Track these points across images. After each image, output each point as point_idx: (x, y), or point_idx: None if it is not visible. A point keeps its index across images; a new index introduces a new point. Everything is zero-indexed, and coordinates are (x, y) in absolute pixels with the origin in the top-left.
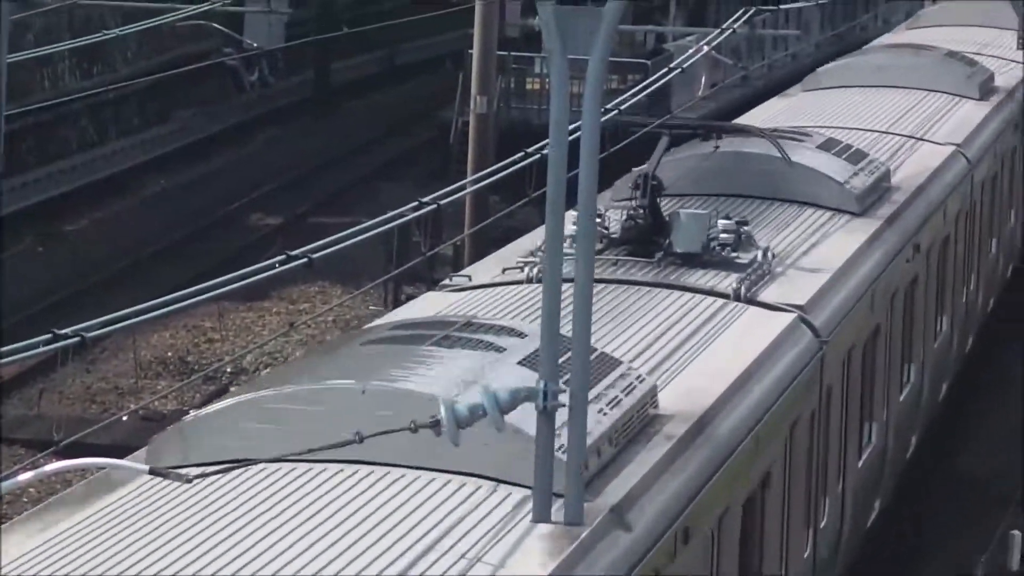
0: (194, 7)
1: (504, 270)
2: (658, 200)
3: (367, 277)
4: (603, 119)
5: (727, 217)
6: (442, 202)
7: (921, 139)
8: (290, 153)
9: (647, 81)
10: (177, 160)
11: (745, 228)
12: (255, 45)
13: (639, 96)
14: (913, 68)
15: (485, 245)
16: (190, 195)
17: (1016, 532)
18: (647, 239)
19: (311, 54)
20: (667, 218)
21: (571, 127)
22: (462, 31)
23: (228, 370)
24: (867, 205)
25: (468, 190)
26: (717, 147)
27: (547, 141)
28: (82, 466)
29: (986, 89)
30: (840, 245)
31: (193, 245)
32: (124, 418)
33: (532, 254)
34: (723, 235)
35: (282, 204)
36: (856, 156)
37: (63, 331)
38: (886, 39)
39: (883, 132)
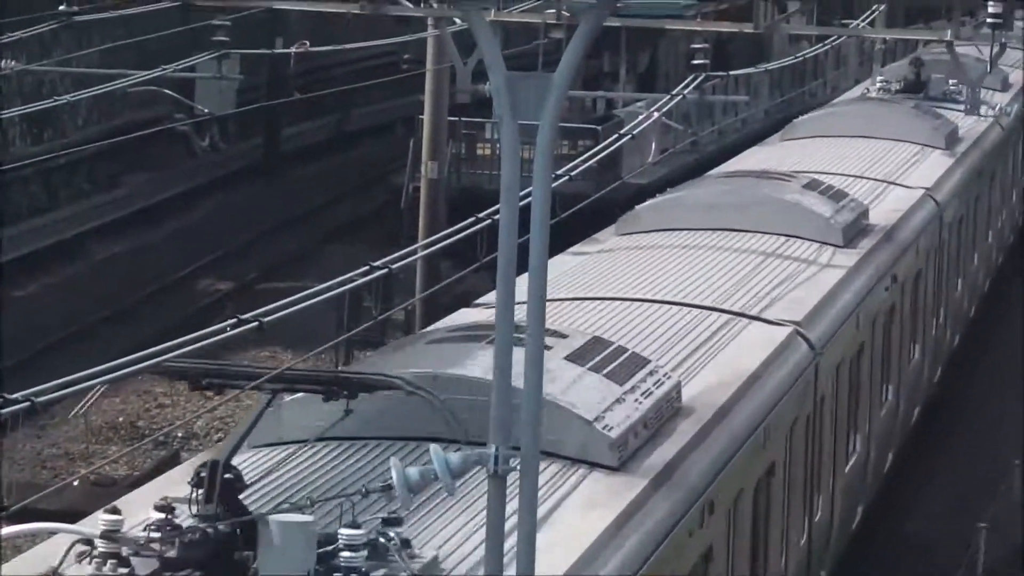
0: (145, 73)
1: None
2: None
3: (318, 341)
4: (554, 184)
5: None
6: (393, 267)
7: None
8: (241, 218)
9: (598, 147)
10: (128, 225)
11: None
12: (206, 111)
13: (590, 162)
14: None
15: (436, 310)
16: (141, 260)
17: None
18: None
19: (262, 119)
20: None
21: (522, 192)
22: (413, 97)
23: (179, 435)
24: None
25: (419, 255)
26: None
27: (498, 206)
28: (33, 531)
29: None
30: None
31: (144, 310)
32: (75, 483)
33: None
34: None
35: (233, 269)
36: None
37: (13, 396)
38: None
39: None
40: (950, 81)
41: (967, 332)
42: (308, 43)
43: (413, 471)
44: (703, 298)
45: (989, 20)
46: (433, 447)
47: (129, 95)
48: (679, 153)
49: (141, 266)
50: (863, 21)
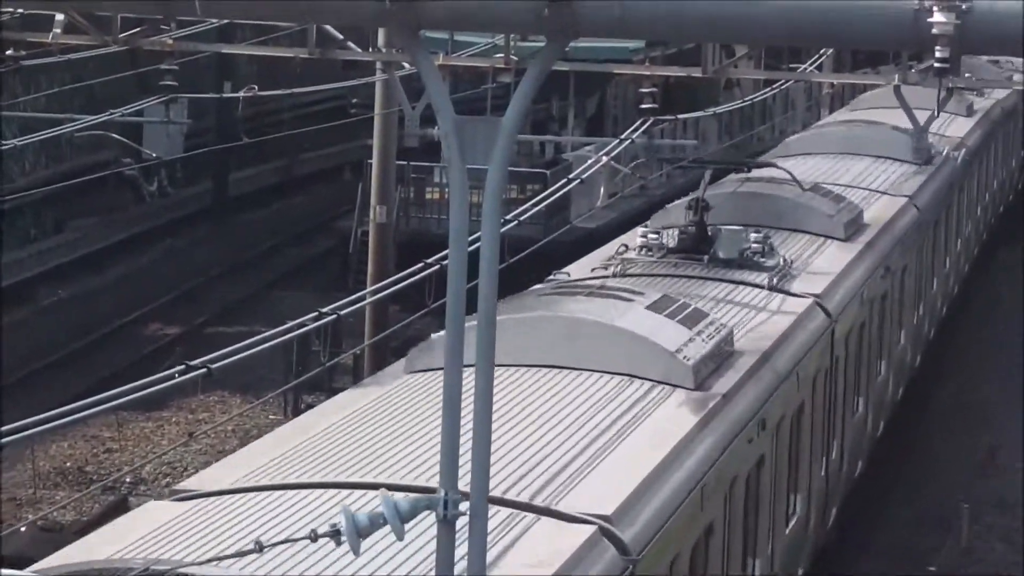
0: (92, 117)
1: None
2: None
3: (267, 387)
4: (503, 229)
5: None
6: (342, 312)
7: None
8: (189, 263)
9: (547, 191)
10: (75, 270)
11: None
12: (154, 155)
13: (539, 206)
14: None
15: (385, 355)
16: (88, 305)
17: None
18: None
19: (210, 164)
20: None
21: (471, 237)
22: (361, 141)
23: (127, 480)
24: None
25: (368, 300)
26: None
27: (447, 251)
28: None
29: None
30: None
31: (91, 355)
32: (22, 529)
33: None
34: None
35: (181, 314)
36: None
37: None
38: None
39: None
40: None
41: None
42: (256, 87)
43: (362, 516)
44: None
45: (936, 65)
46: (382, 492)
47: (76, 139)
48: (628, 197)
49: (88, 311)
50: (810, 65)
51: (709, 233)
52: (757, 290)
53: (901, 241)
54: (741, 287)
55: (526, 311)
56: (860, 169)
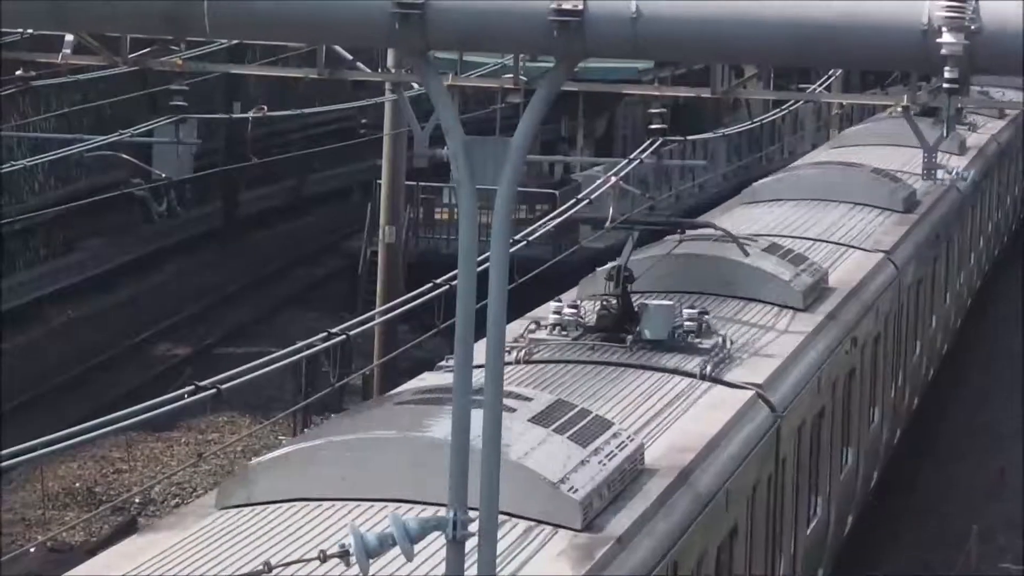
0: (102, 137)
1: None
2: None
3: (276, 407)
4: (512, 249)
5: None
6: (351, 332)
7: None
8: (199, 283)
9: (556, 211)
10: (85, 290)
11: (706, 316)
12: (163, 175)
13: (548, 227)
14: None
15: (395, 375)
16: (98, 326)
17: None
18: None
19: (219, 184)
20: (636, 308)
21: (480, 257)
22: (371, 162)
23: (136, 501)
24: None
25: (377, 320)
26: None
27: (455, 271)
28: None
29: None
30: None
31: (101, 376)
32: (31, 550)
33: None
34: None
35: (191, 334)
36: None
37: None
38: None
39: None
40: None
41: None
42: (266, 108)
43: (371, 536)
44: None
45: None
46: (392, 514)
47: (86, 159)
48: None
49: (98, 332)
50: (820, 86)
51: (635, 308)
52: (688, 380)
53: (874, 307)
54: (670, 376)
55: (373, 429)
56: (832, 220)
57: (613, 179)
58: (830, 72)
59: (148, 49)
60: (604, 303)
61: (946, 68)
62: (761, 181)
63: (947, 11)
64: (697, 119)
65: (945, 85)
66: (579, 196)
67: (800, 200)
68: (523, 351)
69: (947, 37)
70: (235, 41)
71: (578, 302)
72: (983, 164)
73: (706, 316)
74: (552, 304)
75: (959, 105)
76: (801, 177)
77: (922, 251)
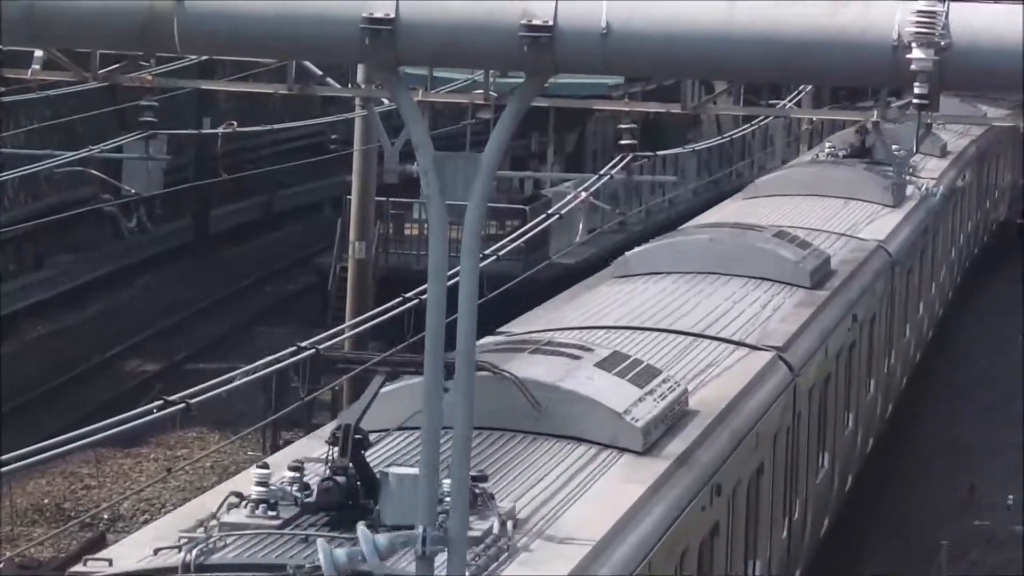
0: (72, 153)
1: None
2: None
3: (246, 422)
4: (482, 264)
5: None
6: (321, 347)
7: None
8: (169, 299)
9: (526, 227)
10: (55, 306)
11: (482, 486)
12: (133, 191)
13: (518, 242)
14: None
15: (364, 391)
16: (67, 341)
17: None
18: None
19: (190, 200)
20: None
21: (450, 272)
22: (341, 177)
23: (105, 517)
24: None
25: (347, 335)
26: None
27: (425, 286)
28: None
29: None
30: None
31: (70, 391)
32: (0, 566)
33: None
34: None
35: (160, 350)
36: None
37: None
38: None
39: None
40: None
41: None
42: (236, 123)
43: (340, 552)
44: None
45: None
46: (361, 528)
47: (56, 175)
48: (607, 232)
49: (68, 348)
50: (790, 101)
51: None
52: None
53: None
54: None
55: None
56: (715, 305)
57: (583, 195)
58: (800, 88)
59: (118, 65)
60: (331, 467)
61: (916, 83)
62: (636, 250)
63: (917, 27)
64: (661, 134)
65: (915, 100)
66: (549, 212)
67: (682, 274)
68: (195, 550)
69: (917, 52)
70: (205, 57)
71: (302, 464)
72: (963, 167)
73: (482, 485)
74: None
75: (928, 120)
76: (685, 245)
77: (828, 346)
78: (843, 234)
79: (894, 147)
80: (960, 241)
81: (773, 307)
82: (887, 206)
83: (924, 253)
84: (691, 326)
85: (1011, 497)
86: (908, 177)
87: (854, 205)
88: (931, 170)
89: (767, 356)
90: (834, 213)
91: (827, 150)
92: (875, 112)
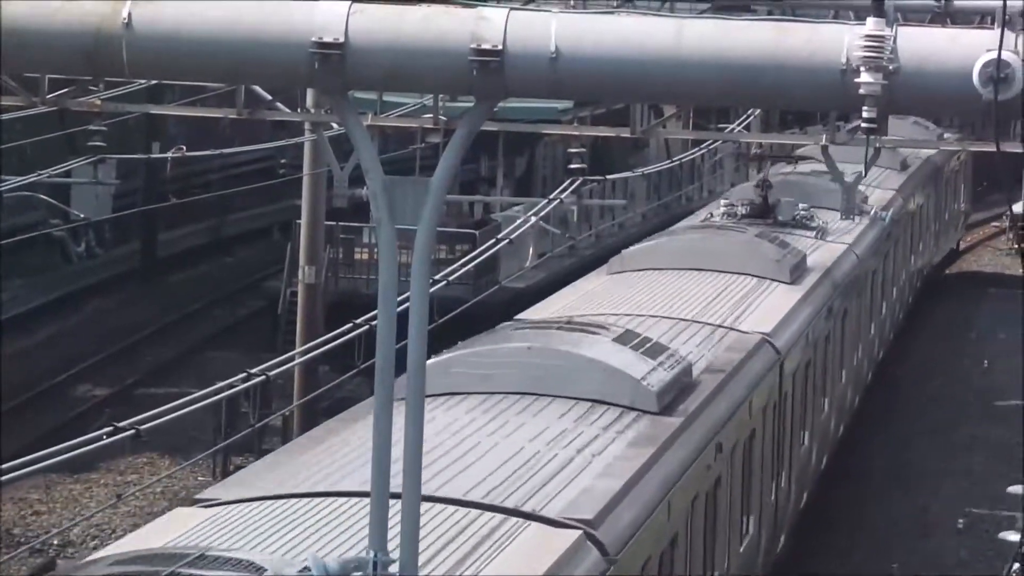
0: (20, 178)
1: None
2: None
3: (197, 448)
4: (432, 289)
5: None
6: (271, 373)
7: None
8: (118, 323)
9: (476, 251)
10: (3, 331)
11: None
12: (82, 216)
13: (468, 266)
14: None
15: (315, 416)
16: (15, 366)
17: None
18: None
19: (138, 224)
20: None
21: (400, 297)
22: (290, 201)
23: (55, 542)
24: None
25: (297, 361)
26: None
27: (376, 311)
28: None
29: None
30: None
31: (19, 417)
32: None
33: None
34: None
35: (110, 375)
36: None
37: None
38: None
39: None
40: (800, 205)
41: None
42: (185, 148)
43: (292, 572)
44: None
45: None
46: (311, 556)
47: (4, 200)
48: (557, 257)
49: (15, 373)
50: (739, 125)
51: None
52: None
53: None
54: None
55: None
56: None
57: (533, 219)
58: (749, 112)
59: (66, 89)
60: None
61: (864, 108)
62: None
63: (865, 51)
64: (606, 158)
65: (863, 124)
66: (499, 236)
67: (475, 404)
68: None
69: (865, 76)
70: (154, 81)
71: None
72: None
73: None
74: None
75: (878, 144)
76: (499, 367)
77: (673, 504)
78: (719, 325)
79: (801, 207)
80: (883, 313)
81: (591, 452)
82: (782, 282)
83: (828, 341)
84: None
85: (961, 521)
86: (858, 203)
87: (740, 283)
88: (867, 208)
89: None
90: (713, 295)
91: (723, 208)
92: (824, 136)
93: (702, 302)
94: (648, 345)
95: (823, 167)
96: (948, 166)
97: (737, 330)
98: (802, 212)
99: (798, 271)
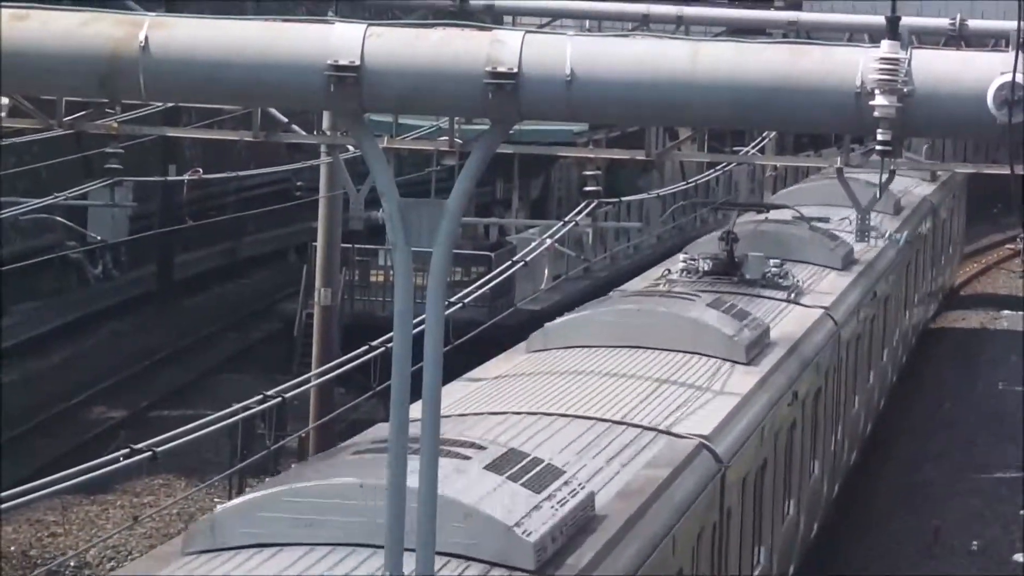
0: (37, 201)
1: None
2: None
3: (212, 470)
4: (447, 311)
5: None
6: (287, 395)
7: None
8: (134, 346)
9: (491, 274)
10: (19, 353)
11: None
12: (98, 238)
13: (483, 288)
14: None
15: (331, 438)
16: (32, 389)
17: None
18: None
19: (155, 246)
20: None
21: (415, 319)
22: (306, 224)
23: (71, 564)
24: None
25: (313, 383)
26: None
27: (391, 334)
28: None
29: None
30: None
31: (36, 439)
32: None
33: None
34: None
35: (126, 397)
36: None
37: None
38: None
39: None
40: (771, 261)
41: None
42: (201, 170)
43: None
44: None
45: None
46: None
47: (20, 222)
48: (572, 279)
49: (33, 395)
50: (753, 148)
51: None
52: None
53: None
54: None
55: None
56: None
57: (548, 241)
58: (764, 134)
59: (83, 112)
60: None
61: (879, 130)
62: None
63: (880, 73)
64: (617, 180)
65: (878, 147)
66: (514, 258)
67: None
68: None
69: (880, 99)
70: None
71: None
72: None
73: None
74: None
75: (891, 167)
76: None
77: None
78: (651, 428)
79: (771, 263)
80: (869, 384)
81: None
82: (737, 363)
83: (792, 433)
84: None
85: (975, 542)
86: (869, 226)
87: (687, 367)
88: (882, 230)
89: None
90: (651, 388)
91: (682, 264)
92: (838, 158)
93: (632, 395)
94: (536, 470)
95: (798, 213)
96: (944, 204)
97: (671, 433)
98: (773, 269)
99: (757, 348)
